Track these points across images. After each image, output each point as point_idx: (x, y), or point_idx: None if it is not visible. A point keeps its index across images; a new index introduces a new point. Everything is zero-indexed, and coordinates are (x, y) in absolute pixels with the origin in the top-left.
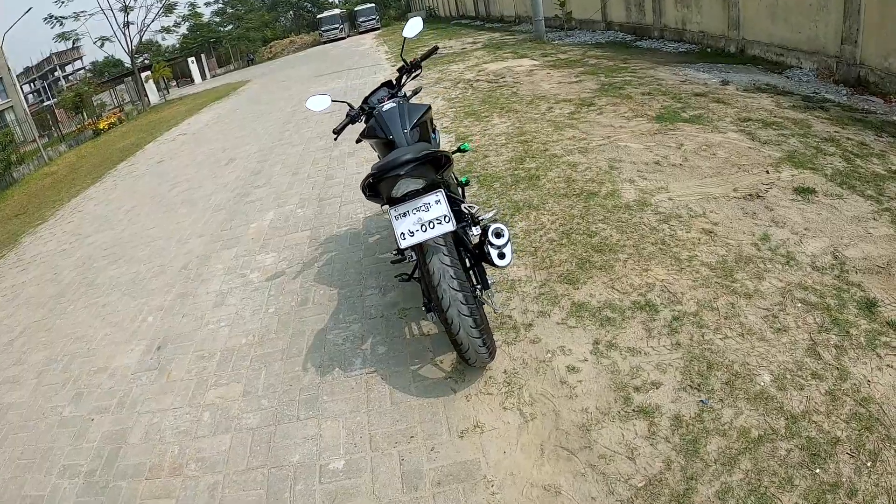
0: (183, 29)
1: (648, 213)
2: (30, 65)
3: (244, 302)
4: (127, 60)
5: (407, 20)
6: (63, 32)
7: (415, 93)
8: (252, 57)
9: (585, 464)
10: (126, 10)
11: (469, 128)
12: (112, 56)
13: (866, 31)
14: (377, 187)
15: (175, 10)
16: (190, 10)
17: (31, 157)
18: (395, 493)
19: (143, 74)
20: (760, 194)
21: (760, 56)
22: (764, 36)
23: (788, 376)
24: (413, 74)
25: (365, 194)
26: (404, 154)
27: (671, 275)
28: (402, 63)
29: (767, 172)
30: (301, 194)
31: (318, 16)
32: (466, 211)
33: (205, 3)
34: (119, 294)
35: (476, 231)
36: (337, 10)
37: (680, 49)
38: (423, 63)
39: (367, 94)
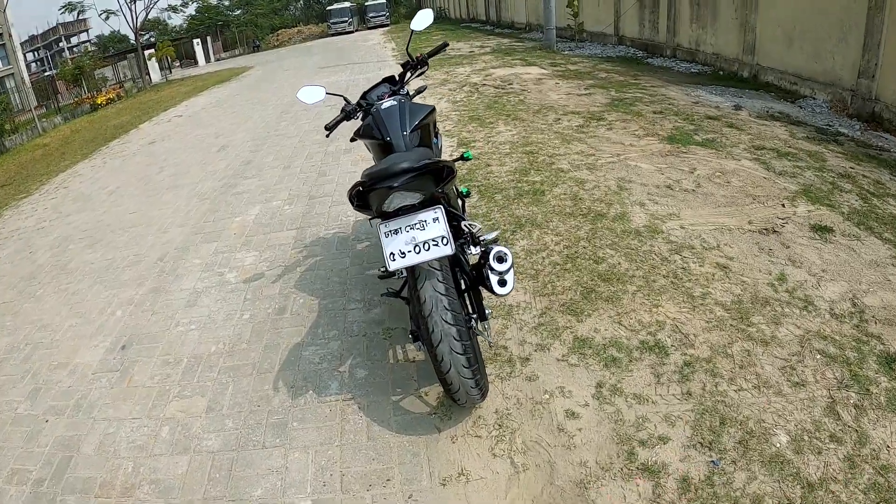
0: (191, 9)
1: (660, 242)
2: (35, 33)
3: (218, 304)
4: (132, 36)
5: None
6: (69, 3)
7: (418, 92)
8: (258, 43)
9: None
10: None
11: (473, 133)
12: (118, 31)
13: (885, 66)
14: (367, 197)
15: None
16: None
17: (25, 127)
18: None
19: (147, 52)
20: (776, 229)
21: (774, 83)
22: (779, 63)
23: (806, 438)
24: (418, 71)
25: (353, 204)
26: (401, 161)
27: (683, 313)
28: (406, 58)
29: (783, 206)
30: (291, 190)
31: (328, 7)
32: (466, 229)
33: None
34: (91, 282)
35: (475, 250)
36: (347, 3)
37: (692, 69)
38: (430, 60)
39: (366, 89)
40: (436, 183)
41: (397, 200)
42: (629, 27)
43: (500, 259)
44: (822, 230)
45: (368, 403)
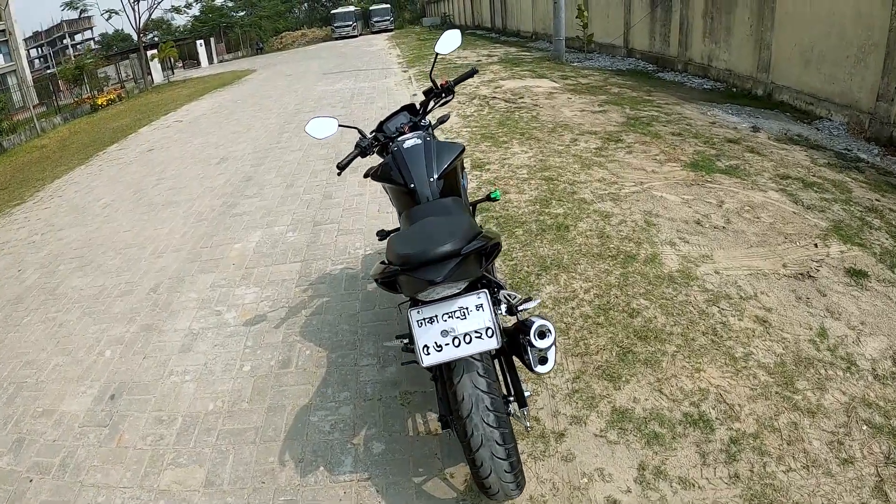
0: (195, 10)
1: (695, 290)
2: (40, 29)
3: (216, 351)
4: (136, 35)
5: (422, 33)
6: (71, 0)
7: (441, 122)
8: (261, 46)
9: None
10: None
11: (487, 154)
12: (122, 30)
13: None
14: (395, 278)
15: None
16: None
17: (24, 127)
18: None
19: (150, 53)
20: (812, 273)
21: (788, 102)
22: (794, 82)
23: None
24: (442, 100)
25: (377, 282)
26: (441, 241)
27: (726, 378)
28: (430, 84)
29: (816, 246)
30: (294, 213)
31: (333, 11)
32: (505, 300)
33: None
34: (79, 312)
35: (504, 311)
36: (352, 8)
37: (704, 86)
38: (456, 87)
39: (382, 119)
40: (481, 262)
41: (438, 291)
42: (639, 40)
43: (542, 335)
44: (856, 275)
45: (387, 485)
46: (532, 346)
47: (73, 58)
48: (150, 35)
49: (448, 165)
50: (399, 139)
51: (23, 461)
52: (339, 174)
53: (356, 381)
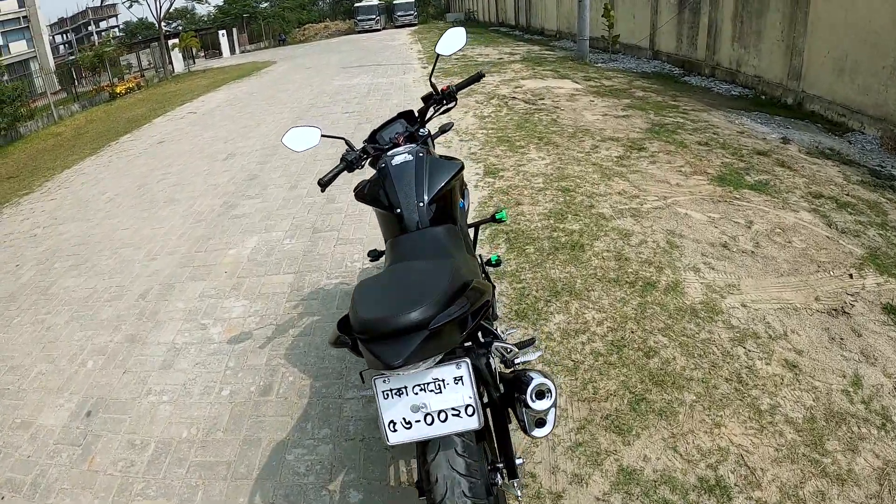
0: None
1: (719, 327)
2: (65, 16)
3: (196, 370)
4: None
5: (445, 28)
6: None
7: (442, 131)
8: (284, 37)
9: None
10: None
11: (501, 159)
12: (145, 19)
13: None
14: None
15: None
16: None
17: (42, 113)
18: None
19: (171, 42)
20: (846, 309)
21: (819, 113)
22: (826, 92)
23: None
24: (443, 108)
25: (336, 343)
26: (407, 306)
27: (749, 436)
28: (429, 90)
29: (851, 276)
30: (294, 217)
31: (356, 4)
32: (499, 351)
33: None
34: (67, 316)
35: (494, 361)
36: (375, 1)
37: (732, 92)
38: (459, 93)
39: (376, 128)
40: (465, 324)
41: (401, 370)
42: (665, 42)
43: (540, 394)
44: (894, 312)
45: None
46: (528, 406)
47: (97, 44)
48: (173, 24)
49: (442, 187)
50: (389, 153)
51: None
52: (322, 191)
53: (339, 416)
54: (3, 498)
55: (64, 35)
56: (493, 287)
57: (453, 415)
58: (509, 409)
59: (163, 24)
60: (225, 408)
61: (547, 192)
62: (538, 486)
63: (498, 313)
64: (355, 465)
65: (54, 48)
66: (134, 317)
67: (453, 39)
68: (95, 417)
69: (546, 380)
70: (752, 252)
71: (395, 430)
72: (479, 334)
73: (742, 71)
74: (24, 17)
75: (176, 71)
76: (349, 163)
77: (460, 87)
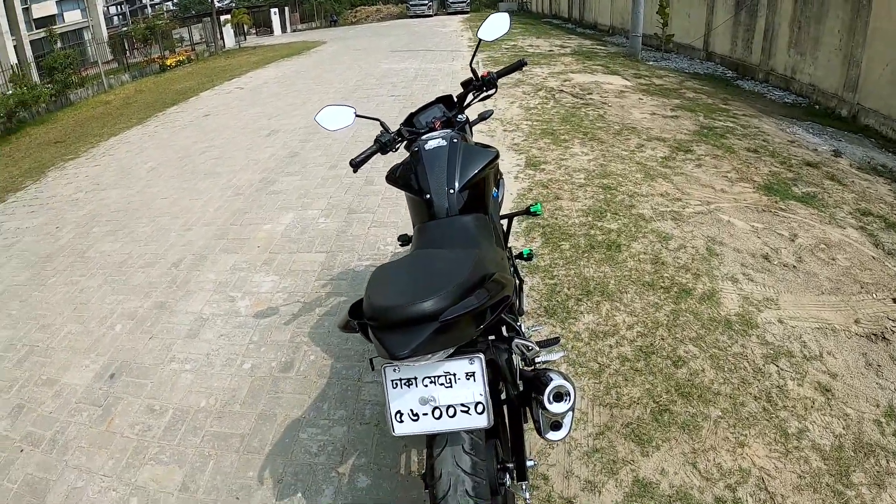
0: None
1: (753, 341)
2: None
3: (220, 342)
4: None
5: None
6: None
7: (482, 118)
8: (336, 18)
9: None
10: None
11: (544, 152)
12: None
13: None
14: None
15: None
16: None
17: (93, 82)
18: None
19: (223, 17)
20: (886, 335)
21: (874, 128)
22: (882, 106)
23: None
24: (483, 94)
25: (345, 327)
26: (420, 296)
27: (773, 459)
28: (469, 75)
29: (894, 301)
30: (331, 197)
31: None
32: (519, 348)
33: None
34: (101, 279)
35: (515, 358)
36: None
37: (785, 99)
38: (499, 81)
39: (413, 111)
40: (483, 318)
41: (408, 361)
42: (720, 43)
43: (559, 397)
44: None
45: None
46: (544, 408)
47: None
48: (226, 0)
49: (475, 175)
50: (423, 137)
51: (18, 429)
52: (354, 171)
53: (356, 399)
54: (21, 451)
55: (118, 7)
56: (521, 281)
57: (462, 411)
58: (526, 409)
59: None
60: (245, 381)
61: (588, 189)
62: (549, 490)
63: (525, 308)
64: (367, 450)
65: (108, 19)
66: (165, 284)
67: (497, 25)
68: (118, 380)
69: (566, 382)
70: (794, 266)
71: (402, 422)
72: (504, 329)
73: (797, 78)
74: None
75: (226, 46)
76: (382, 145)
77: (501, 73)
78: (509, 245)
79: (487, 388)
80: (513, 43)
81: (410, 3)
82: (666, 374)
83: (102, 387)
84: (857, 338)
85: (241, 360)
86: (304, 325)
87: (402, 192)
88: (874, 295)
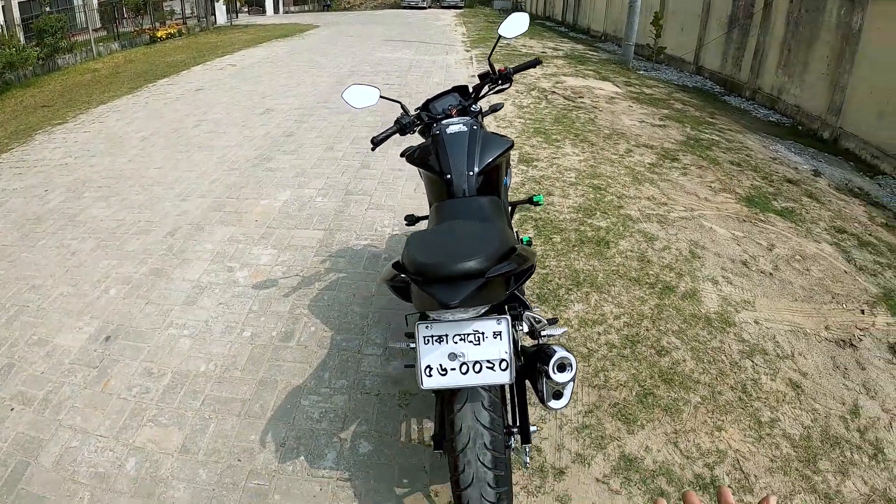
0: None
1: (731, 338)
2: None
3: (219, 309)
4: None
5: (491, 15)
6: None
7: (493, 109)
8: (329, 3)
9: None
10: None
11: (536, 150)
12: None
13: None
14: (406, 285)
15: None
16: None
17: (81, 48)
18: None
19: None
20: (854, 342)
21: (854, 152)
22: (864, 132)
23: None
24: (498, 87)
25: (388, 285)
26: (464, 256)
27: (747, 443)
28: (487, 69)
29: (863, 312)
30: (328, 177)
31: None
32: (528, 323)
33: None
34: (94, 244)
35: (525, 331)
36: None
37: (770, 118)
38: (515, 76)
39: (430, 97)
40: (508, 284)
41: (451, 313)
42: (710, 59)
43: (562, 367)
44: None
45: (367, 491)
46: (549, 377)
47: None
48: None
49: (492, 160)
50: (444, 122)
51: (8, 388)
52: (373, 149)
53: (356, 370)
54: (11, 409)
55: None
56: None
57: (487, 367)
58: (527, 382)
59: None
60: (245, 348)
61: (578, 188)
62: (542, 460)
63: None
64: (368, 418)
65: None
66: (161, 252)
67: (516, 24)
68: (114, 343)
69: (569, 354)
70: (771, 273)
71: (430, 376)
72: (517, 304)
73: (783, 98)
74: None
75: (218, 23)
76: (402, 126)
77: (517, 69)
78: None
79: (512, 348)
80: (506, 42)
81: None
82: (650, 362)
83: (97, 348)
84: (827, 342)
85: (241, 328)
86: (304, 297)
87: (402, 176)
88: (844, 305)
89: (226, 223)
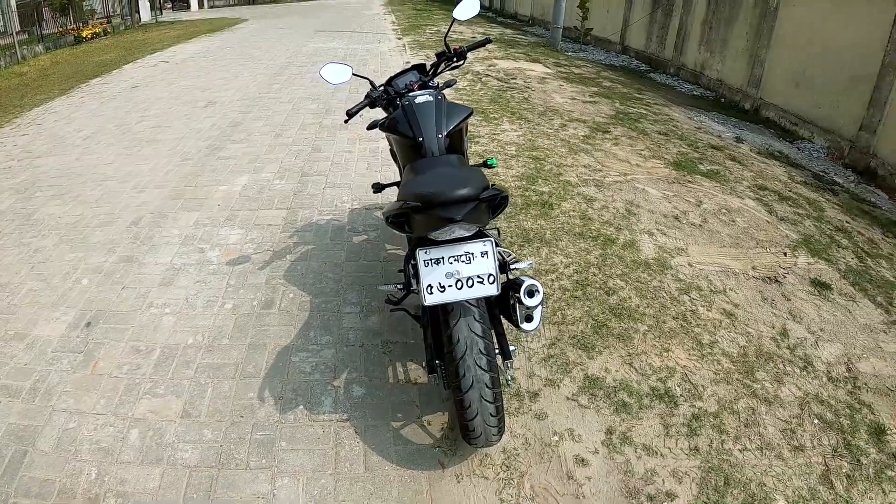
0: None
1: (668, 279)
2: None
3: (198, 287)
4: None
5: (418, 3)
6: None
7: (448, 85)
8: None
9: None
10: None
11: (477, 128)
12: None
13: (888, 124)
14: (408, 216)
15: None
16: None
17: (4, 53)
18: None
19: None
20: (778, 279)
21: (774, 120)
22: (782, 101)
23: None
24: (453, 65)
25: (387, 221)
26: (457, 186)
27: (692, 361)
28: (442, 48)
29: (785, 255)
30: (282, 162)
31: None
32: (501, 254)
33: None
34: (56, 239)
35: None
36: None
37: (694, 92)
38: (469, 54)
39: (392, 75)
40: (490, 214)
41: (452, 230)
42: (635, 39)
43: (531, 293)
44: (820, 286)
45: (366, 428)
46: (521, 303)
47: None
48: None
49: (457, 125)
50: (410, 94)
51: None
52: (346, 121)
53: (339, 326)
54: None
55: None
56: None
57: (478, 281)
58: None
59: None
60: (229, 319)
61: (519, 159)
62: (517, 387)
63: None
64: (357, 367)
65: None
66: (128, 241)
67: (468, 7)
68: (96, 328)
69: (535, 281)
70: (700, 225)
71: (432, 293)
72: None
73: (705, 74)
74: None
75: (143, 20)
76: (373, 99)
77: (470, 48)
78: None
79: (496, 263)
80: (436, 28)
81: None
82: (600, 301)
83: (80, 335)
84: (754, 280)
85: (222, 301)
86: (278, 269)
87: (353, 158)
88: (768, 250)
89: (188, 209)
